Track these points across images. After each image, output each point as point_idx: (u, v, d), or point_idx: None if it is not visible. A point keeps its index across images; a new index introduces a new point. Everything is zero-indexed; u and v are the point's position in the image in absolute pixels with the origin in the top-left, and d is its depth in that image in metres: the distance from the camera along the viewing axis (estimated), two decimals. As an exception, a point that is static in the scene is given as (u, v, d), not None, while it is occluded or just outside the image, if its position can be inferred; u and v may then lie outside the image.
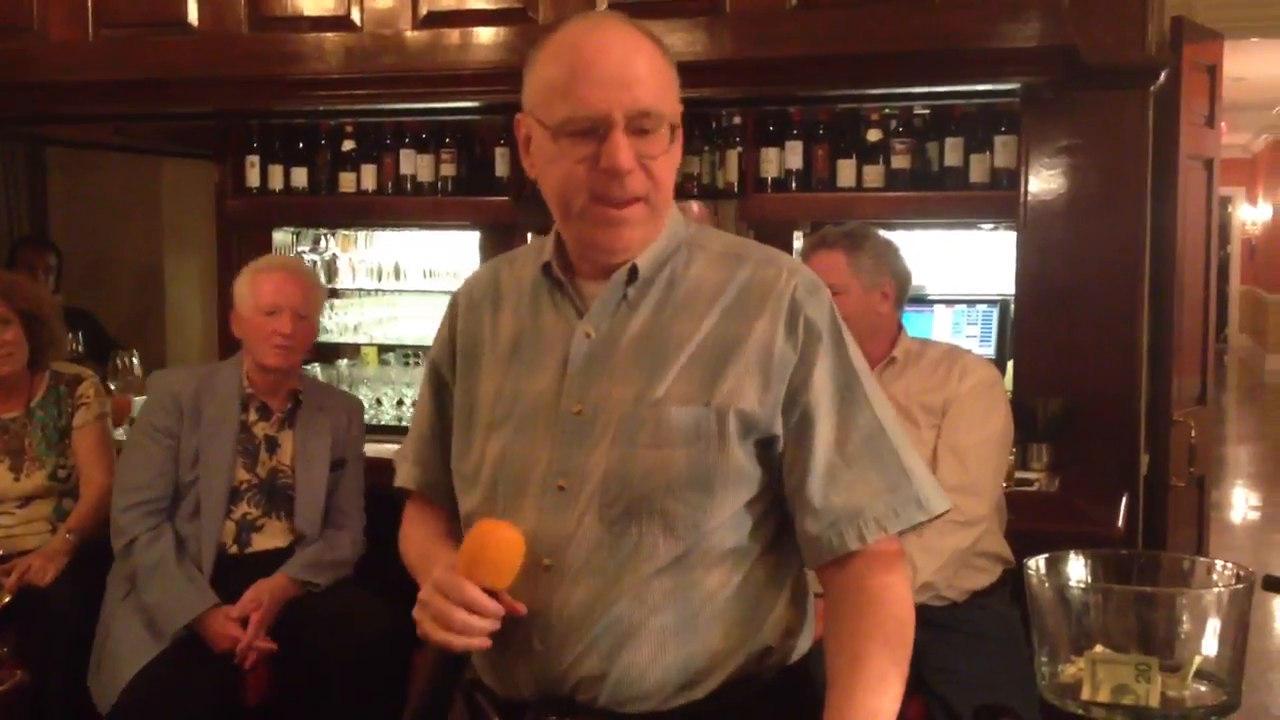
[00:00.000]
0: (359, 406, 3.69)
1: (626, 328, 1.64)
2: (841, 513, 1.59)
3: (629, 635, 1.59)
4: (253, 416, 3.43)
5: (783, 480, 1.63)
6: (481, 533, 1.56)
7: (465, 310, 1.77)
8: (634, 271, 1.64)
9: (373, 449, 3.75)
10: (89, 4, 4.38)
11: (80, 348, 4.73)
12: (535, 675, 1.63)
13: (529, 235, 4.66)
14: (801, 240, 4.45)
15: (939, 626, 2.89)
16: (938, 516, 1.64)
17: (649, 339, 1.63)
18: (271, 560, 3.35)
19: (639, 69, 1.56)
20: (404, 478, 1.87)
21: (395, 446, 4.10)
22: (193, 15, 4.33)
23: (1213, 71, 4.49)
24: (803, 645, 1.71)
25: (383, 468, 3.83)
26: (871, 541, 1.59)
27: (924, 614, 2.83)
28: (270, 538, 3.38)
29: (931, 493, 1.63)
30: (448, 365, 1.78)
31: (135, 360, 4.57)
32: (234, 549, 3.34)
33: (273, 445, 3.43)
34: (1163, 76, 3.85)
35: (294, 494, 3.40)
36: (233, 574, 3.29)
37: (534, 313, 1.69)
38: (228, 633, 3.21)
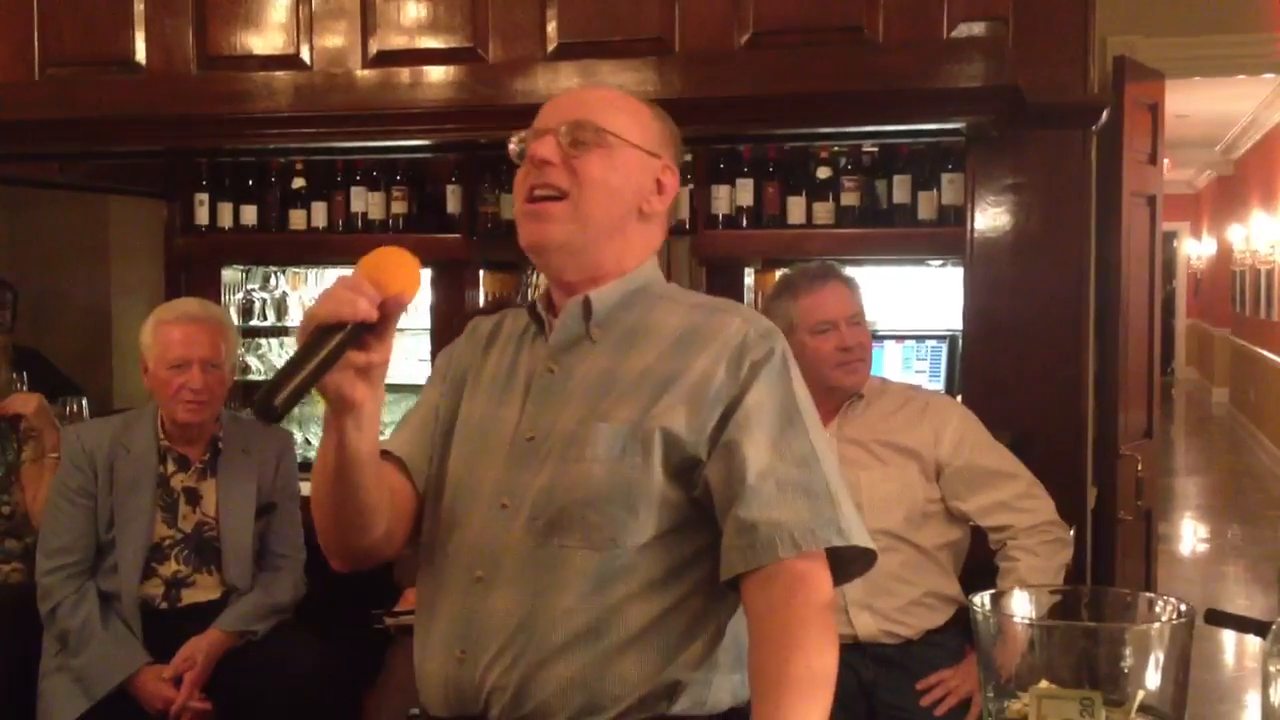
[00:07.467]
0: (288, 442, 3.49)
1: (586, 363, 1.72)
2: (762, 527, 1.60)
3: (539, 647, 1.63)
4: (170, 469, 3.27)
5: (715, 507, 1.65)
6: (374, 252, 1.56)
7: (467, 341, 1.87)
8: (588, 304, 1.72)
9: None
10: (35, 43, 4.34)
11: (25, 388, 4.66)
12: (456, 685, 1.68)
13: (481, 273, 4.65)
14: (754, 275, 4.47)
15: (893, 664, 2.89)
16: (861, 551, 1.66)
17: (604, 373, 1.71)
18: (203, 613, 3.22)
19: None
20: (389, 442, 1.82)
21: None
22: (141, 54, 4.29)
23: (1155, 110, 4.57)
24: (724, 698, 1.69)
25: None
26: (785, 557, 1.59)
27: (878, 652, 2.87)
28: (201, 592, 3.25)
29: (854, 525, 1.65)
30: (440, 380, 1.87)
31: (84, 405, 4.49)
32: (163, 605, 3.22)
33: (194, 497, 3.27)
34: (1105, 115, 3.92)
35: (220, 545, 3.26)
36: (163, 630, 3.18)
37: (516, 351, 1.80)
38: (160, 693, 3.12)
